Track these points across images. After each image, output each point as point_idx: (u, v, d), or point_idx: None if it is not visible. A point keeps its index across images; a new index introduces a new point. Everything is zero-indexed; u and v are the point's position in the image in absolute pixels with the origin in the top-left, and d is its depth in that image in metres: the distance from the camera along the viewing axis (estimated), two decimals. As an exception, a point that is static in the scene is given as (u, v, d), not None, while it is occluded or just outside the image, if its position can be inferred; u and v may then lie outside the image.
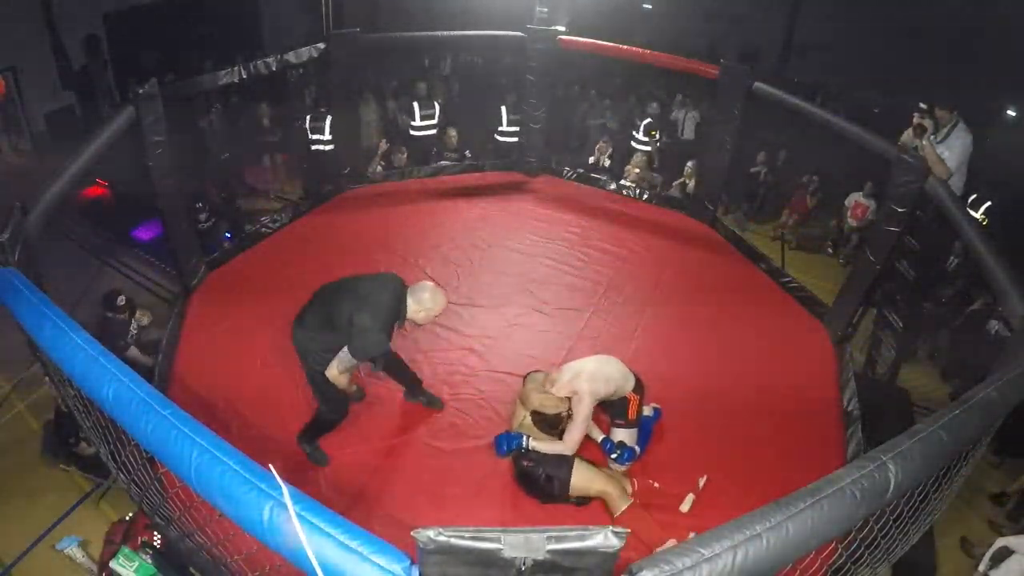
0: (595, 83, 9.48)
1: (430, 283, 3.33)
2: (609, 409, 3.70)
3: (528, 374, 3.75)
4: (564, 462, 3.36)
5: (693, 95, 8.86)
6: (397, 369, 3.74)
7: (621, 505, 3.28)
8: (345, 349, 3.19)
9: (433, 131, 7.40)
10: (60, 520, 4.55)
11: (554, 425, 3.50)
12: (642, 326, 4.76)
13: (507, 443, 3.42)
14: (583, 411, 3.37)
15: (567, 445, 3.38)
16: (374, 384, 4.09)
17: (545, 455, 3.38)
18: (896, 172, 4.23)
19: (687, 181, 7.57)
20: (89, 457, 4.88)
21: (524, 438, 3.41)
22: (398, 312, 3.21)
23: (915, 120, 4.26)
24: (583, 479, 3.33)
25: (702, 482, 3.50)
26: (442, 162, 7.10)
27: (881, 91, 8.92)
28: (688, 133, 8.79)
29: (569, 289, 5.19)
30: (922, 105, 4.29)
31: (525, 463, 3.41)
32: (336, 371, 3.28)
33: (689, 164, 7.65)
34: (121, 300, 5.36)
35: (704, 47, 10.05)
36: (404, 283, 3.30)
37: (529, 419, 3.56)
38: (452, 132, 7.33)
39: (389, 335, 3.22)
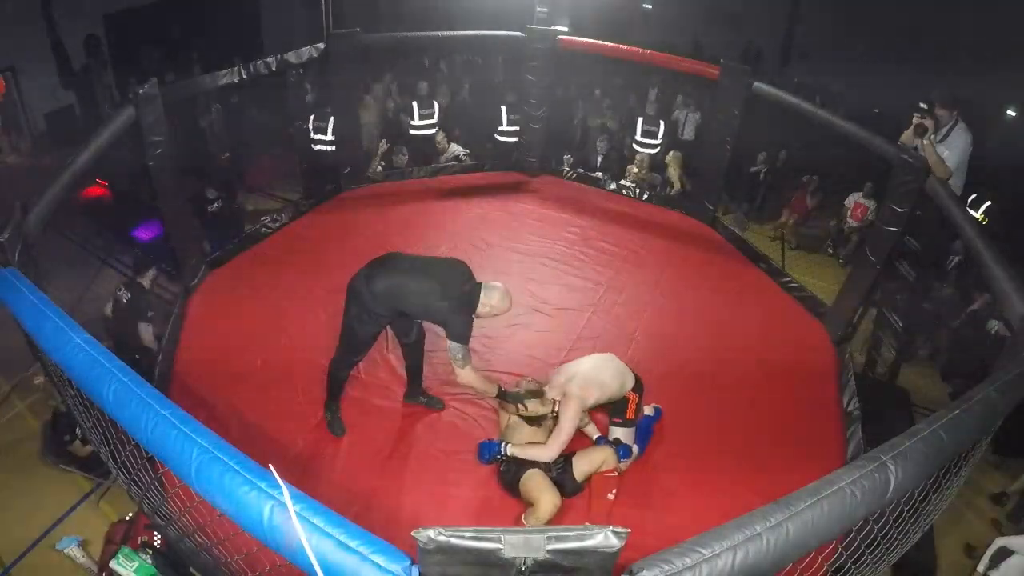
0: (595, 83, 9.47)
1: (502, 285, 3.36)
2: (608, 408, 3.71)
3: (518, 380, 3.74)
4: (523, 466, 3.34)
5: (696, 96, 8.84)
6: (420, 354, 3.80)
7: (537, 519, 3.17)
8: (451, 344, 3.24)
9: (433, 131, 7.40)
10: (60, 520, 4.55)
11: (540, 424, 3.52)
12: (642, 326, 4.76)
13: (488, 451, 3.43)
14: (568, 415, 3.34)
15: (549, 451, 3.34)
16: (374, 384, 4.10)
17: (519, 459, 3.36)
18: (896, 172, 4.24)
19: (669, 170, 7.45)
20: (84, 457, 4.88)
21: (502, 445, 3.40)
22: (474, 305, 3.28)
23: (915, 120, 4.25)
24: (527, 486, 3.28)
25: (612, 495, 3.35)
26: (445, 163, 7.10)
27: (881, 91, 8.92)
28: (688, 134, 8.78)
29: (569, 289, 5.19)
30: (922, 105, 4.28)
31: (502, 468, 3.43)
32: (460, 368, 3.30)
33: (669, 154, 7.61)
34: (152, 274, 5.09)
35: (704, 47, 10.04)
36: (478, 281, 3.35)
37: (514, 419, 3.57)
38: (440, 135, 7.33)
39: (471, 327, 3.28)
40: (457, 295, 3.21)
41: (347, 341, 3.50)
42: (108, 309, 5.00)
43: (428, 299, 3.22)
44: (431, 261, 3.53)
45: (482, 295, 3.27)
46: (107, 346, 2.02)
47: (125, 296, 4.79)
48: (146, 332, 4.73)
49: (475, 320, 3.29)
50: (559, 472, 3.36)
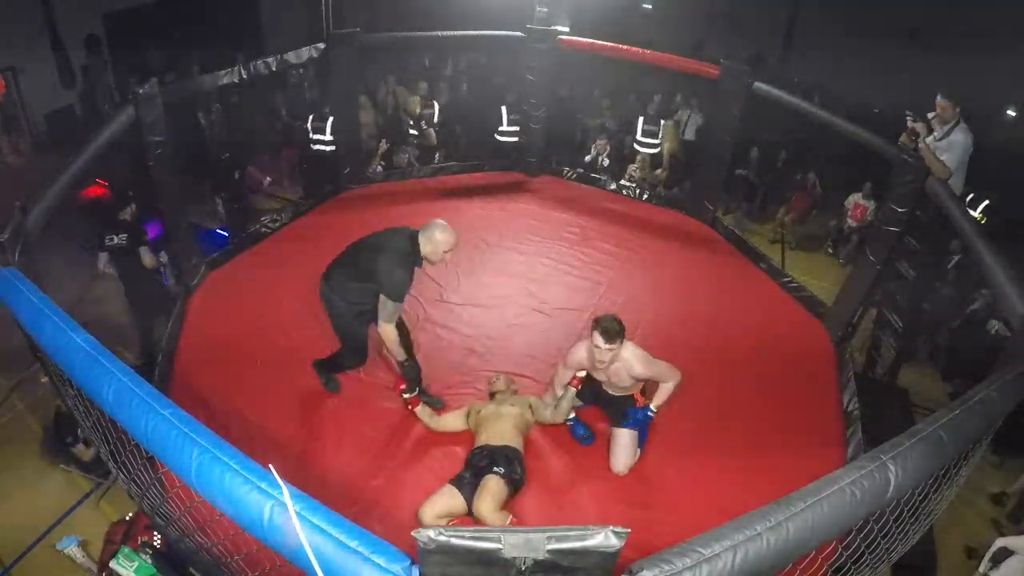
0: (596, 83, 9.47)
1: (440, 220, 3.44)
2: (609, 408, 3.71)
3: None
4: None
5: (699, 97, 8.82)
6: (409, 343, 3.85)
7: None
8: (382, 298, 3.34)
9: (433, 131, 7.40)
10: (60, 520, 4.54)
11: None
12: (642, 326, 4.76)
13: (635, 417, 3.57)
14: (658, 363, 3.51)
15: (675, 380, 3.55)
16: (374, 385, 4.10)
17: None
18: (896, 172, 4.24)
19: (636, 170, 7.40)
20: (85, 460, 4.88)
21: (647, 409, 3.58)
22: (414, 254, 3.38)
23: (909, 124, 4.25)
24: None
25: (509, 519, 3.23)
26: (449, 162, 7.11)
27: (880, 91, 8.91)
28: (689, 134, 8.77)
29: (569, 289, 5.19)
30: (907, 113, 4.29)
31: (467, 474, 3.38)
32: (384, 322, 3.39)
33: (666, 123, 7.58)
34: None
35: (704, 47, 10.03)
36: (416, 230, 3.45)
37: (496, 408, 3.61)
38: (431, 131, 7.32)
39: (410, 277, 3.37)
40: (395, 252, 3.34)
41: (349, 346, 3.66)
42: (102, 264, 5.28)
43: (375, 265, 3.34)
44: (369, 237, 3.60)
45: (421, 240, 3.36)
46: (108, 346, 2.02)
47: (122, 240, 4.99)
48: (146, 255, 4.96)
49: (431, 265, 3.43)
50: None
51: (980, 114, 5.68)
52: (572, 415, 3.73)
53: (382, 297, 3.35)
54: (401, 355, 3.55)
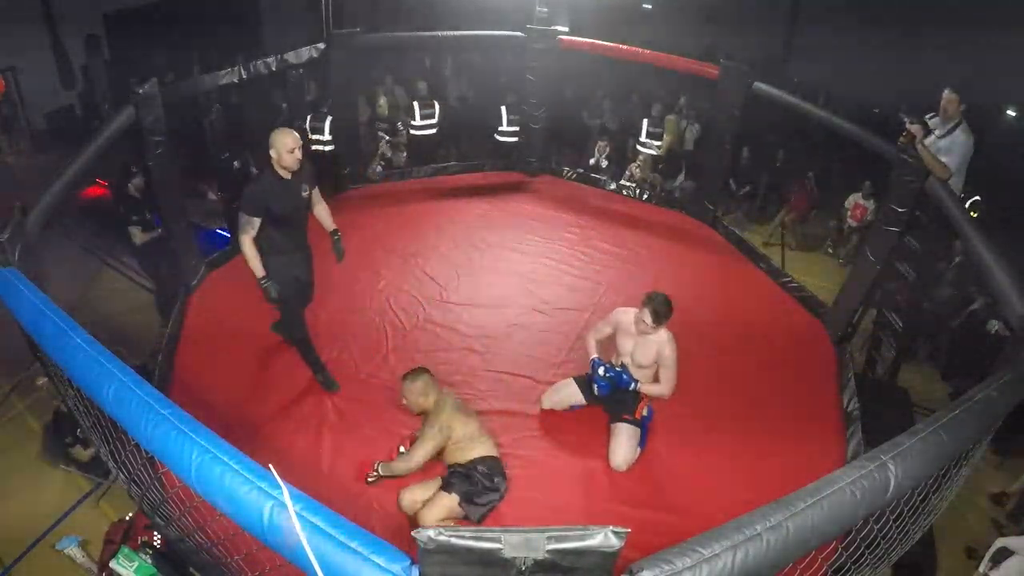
0: (596, 83, 9.48)
1: (280, 128, 3.51)
2: (614, 407, 3.71)
3: None
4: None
5: (696, 105, 8.80)
6: (289, 311, 3.88)
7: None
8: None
9: (433, 131, 7.39)
10: (60, 520, 4.55)
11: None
12: (642, 326, 4.76)
13: (620, 380, 3.62)
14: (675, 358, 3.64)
15: (669, 388, 3.63)
16: (374, 385, 4.10)
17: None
18: (896, 172, 4.24)
19: (637, 170, 7.39)
20: (84, 461, 4.89)
21: (634, 383, 3.62)
22: (268, 170, 3.48)
23: (907, 126, 4.24)
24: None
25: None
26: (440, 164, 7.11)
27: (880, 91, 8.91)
28: (688, 144, 8.75)
29: (569, 289, 5.19)
30: (902, 116, 4.28)
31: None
32: (240, 233, 3.49)
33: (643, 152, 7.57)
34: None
35: (704, 47, 10.04)
36: None
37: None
38: (404, 133, 7.37)
39: (258, 207, 3.45)
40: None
41: (290, 304, 3.76)
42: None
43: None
44: None
45: (271, 156, 3.43)
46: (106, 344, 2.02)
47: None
48: (136, 233, 5.19)
49: (286, 170, 3.44)
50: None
51: (979, 113, 5.67)
52: (598, 367, 3.72)
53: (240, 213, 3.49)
54: (260, 272, 3.56)
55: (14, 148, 9.56)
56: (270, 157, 3.44)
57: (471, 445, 3.35)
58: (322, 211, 3.86)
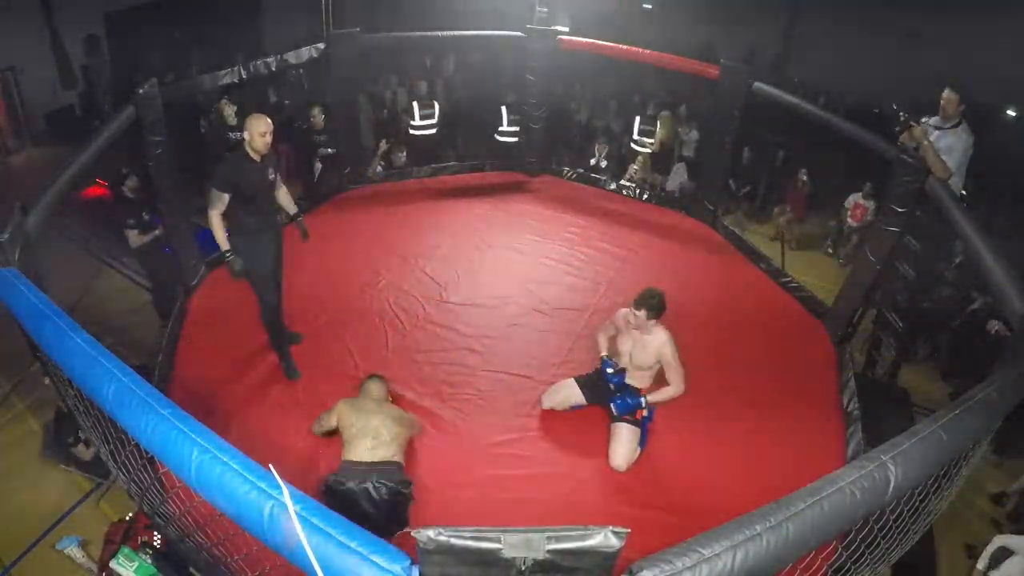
0: (597, 83, 9.48)
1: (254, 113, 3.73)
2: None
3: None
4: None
5: (696, 112, 8.77)
6: (257, 289, 3.96)
7: None
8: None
9: (433, 131, 7.39)
10: (60, 520, 4.55)
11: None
12: (642, 326, 4.76)
13: (628, 404, 3.63)
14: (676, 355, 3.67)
15: (680, 388, 3.66)
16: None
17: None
18: (896, 172, 4.24)
19: (637, 168, 7.37)
20: (86, 460, 4.88)
21: (643, 399, 3.66)
22: (240, 151, 3.66)
23: (910, 124, 4.24)
24: None
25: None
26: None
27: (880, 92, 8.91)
28: (688, 151, 8.73)
29: (569, 289, 5.19)
30: (901, 116, 4.28)
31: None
32: (211, 210, 3.63)
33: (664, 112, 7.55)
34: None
35: (704, 47, 10.04)
36: None
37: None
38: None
39: (228, 184, 3.62)
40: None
41: (258, 283, 3.87)
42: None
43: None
44: None
45: (244, 139, 3.62)
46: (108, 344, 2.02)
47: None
48: (132, 234, 5.25)
49: (257, 152, 3.62)
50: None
51: (979, 113, 5.68)
52: (607, 366, 3.77)
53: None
54: (225, 246, 3.69)
55: (14, 148, 9.56)
56: (243, 140, 3.66)
57: (351, 444, 3.31)
58: (283, 195, 4.06)
